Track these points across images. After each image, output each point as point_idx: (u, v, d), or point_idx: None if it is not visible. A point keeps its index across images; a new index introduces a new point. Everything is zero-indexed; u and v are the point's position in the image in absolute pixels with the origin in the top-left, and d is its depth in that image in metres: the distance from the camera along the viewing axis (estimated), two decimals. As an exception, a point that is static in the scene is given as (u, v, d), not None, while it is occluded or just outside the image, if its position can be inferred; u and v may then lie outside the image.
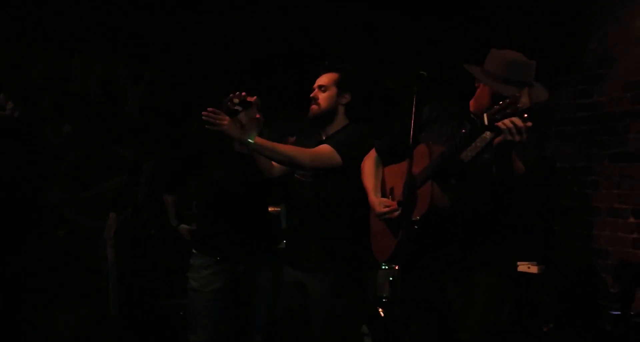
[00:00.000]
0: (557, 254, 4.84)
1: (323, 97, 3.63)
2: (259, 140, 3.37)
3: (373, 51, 5.46)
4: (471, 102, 3.17)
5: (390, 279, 4.51)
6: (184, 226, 4.37)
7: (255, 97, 3.51)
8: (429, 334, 3.20)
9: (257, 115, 3.70)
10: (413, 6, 5.40)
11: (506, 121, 2.63)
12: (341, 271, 3.47)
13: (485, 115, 2.65)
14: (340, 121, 3.67)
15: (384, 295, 4.62)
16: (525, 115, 2.56)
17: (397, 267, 4.47)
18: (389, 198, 3.22)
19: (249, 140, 3.33)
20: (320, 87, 3.64)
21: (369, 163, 3.41)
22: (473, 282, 3.02)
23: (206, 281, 3.76)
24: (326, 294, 3.45)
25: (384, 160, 3.39)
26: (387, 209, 3.10)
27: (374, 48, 5.50)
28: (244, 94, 3.47)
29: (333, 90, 3.63)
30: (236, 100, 3.44)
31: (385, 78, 5.48)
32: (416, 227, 2.93)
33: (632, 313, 3.75)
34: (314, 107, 3.63)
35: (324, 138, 3.63)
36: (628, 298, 3.53)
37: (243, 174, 3.76)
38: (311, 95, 3.64)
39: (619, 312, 3.55)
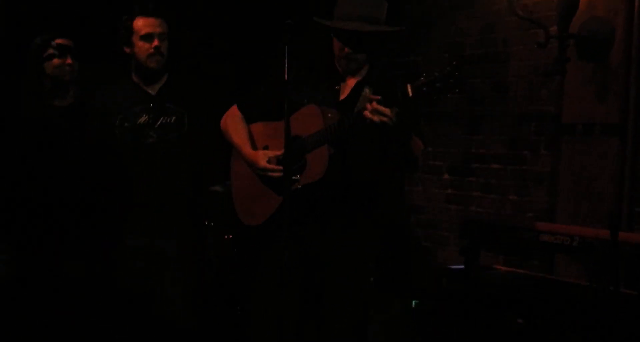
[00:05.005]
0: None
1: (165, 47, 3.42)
2: None
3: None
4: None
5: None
6: None
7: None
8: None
9: (69, 61, 3.41)
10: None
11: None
12: None
13: (409, 86, 2.54)
14: None
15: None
16: (457, 90, 2.49)
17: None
18: None
19: None
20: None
21: (232, 120, 3.17)
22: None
23: None
24: None
25: (248, 118, 3.17)
26: (272, 166, 2.90)
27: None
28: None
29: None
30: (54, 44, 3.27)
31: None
32: (300, 186, 2.80)
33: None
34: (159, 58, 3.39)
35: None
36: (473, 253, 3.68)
37: None
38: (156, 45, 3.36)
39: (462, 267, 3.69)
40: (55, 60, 3.39)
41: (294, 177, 2.81)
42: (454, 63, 2.51)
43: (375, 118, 2.59)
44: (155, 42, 3.32)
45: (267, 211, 2.95)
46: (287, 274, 2.76)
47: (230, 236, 4.48)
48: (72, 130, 3.44)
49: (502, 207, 4.51)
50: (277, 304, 2.90)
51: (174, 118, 3.38)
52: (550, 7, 4.24)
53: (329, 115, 2.83)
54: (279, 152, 2.91)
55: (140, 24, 3.34)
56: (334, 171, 2.80)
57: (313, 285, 3.00)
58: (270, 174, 2.91)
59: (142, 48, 3.34)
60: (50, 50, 3.39)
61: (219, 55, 4.99)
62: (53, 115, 3.45)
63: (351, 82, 3.01)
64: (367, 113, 2.61)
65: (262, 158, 2.95)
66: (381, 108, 2.58)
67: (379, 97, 2.61)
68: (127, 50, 3.39)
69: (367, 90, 2.92)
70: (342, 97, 3.00)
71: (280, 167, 2.85)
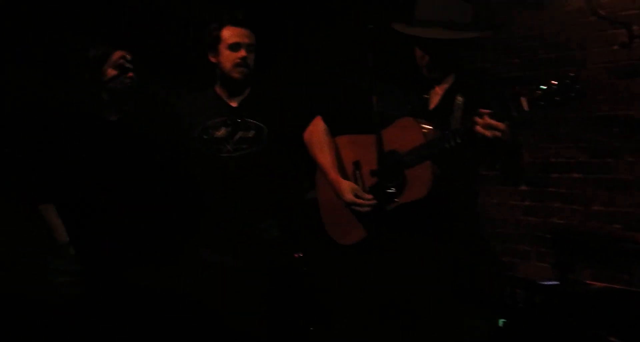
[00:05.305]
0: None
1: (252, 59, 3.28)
2: None
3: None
4: None
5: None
6: None
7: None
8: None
9: (130, 74, 3.29)
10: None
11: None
12: None
13: (524, 100, 2.35)
14: None
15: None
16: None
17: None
18: (356, 174, 2.83)
19: None
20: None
21: (317, 135, 2.99)
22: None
23: None
24: None
25: (333, 130, 2.99)
26: (361, 201, 2.73)
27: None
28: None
29: None
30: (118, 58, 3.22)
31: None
32: (396, 199, 2.63)
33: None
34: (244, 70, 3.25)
35: None
36: (566, 268, 3.46)
37: None
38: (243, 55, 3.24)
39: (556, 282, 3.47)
40: (115, 73, 3.28)
41: (389, 191, 2.63)
42: (572, 74, 2.32)
43: (488, 133, 2.41)
44: (242, 53, 3.21)
45: (359, 232, 2.77)
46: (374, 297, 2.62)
47: (301, 254, 4.30)
48: (132, 143, 3.32)
49: (586, 219, 4.25)
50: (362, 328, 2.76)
51: (252, 132, 3.25)
52: (628, 5, 4.02)
53: (427, 128, 2.65)
54: (367, 183, 2.77)
55: (229, 33, 3.23)
56: (435, 188, 2.61)
57: (396, 307, 2.82)
58: (356, 208, 2.75)
59: (229, 58, 3.22)
60: (111, 63, 3.27)
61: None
62: (112, 129, 3.32)
63: (439, 90, 2.83)
64: (479, 128, 2.43)
65: (348, 191, 2.80)
66: (495, 123, 2.40)
67: (489, 111, 2.43)
68: (213, 59, 3.27)
69: (459, 99, 2.74)
70: (431, 106, 2.81)
71: (368, 202, 2.71)
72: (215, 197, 3.26)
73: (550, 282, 3.55)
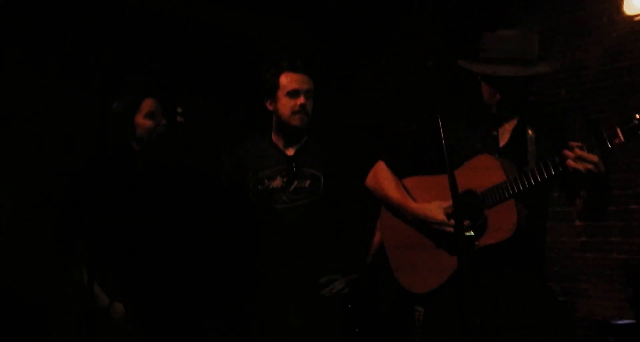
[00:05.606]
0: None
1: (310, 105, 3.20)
2: None
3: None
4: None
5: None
6: None
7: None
8: None
9: (163, 122, 3.18)
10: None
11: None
12: None
13: (619, 129, 2.21)
14: None
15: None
16: None
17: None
18: None
19: None
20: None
21: (383, 177, 2.83)
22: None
23: None
24: None
25: (398, 174, 2.82)
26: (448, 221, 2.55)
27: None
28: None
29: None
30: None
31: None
32: (477, 242, 2.47)
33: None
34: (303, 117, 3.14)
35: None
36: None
37: None
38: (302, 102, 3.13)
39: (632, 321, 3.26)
40: (147, 123, 3.13)
41: (467, 233, 2.46)
42: None
43: (580, 166, 2.27)
44: (301, 99, 3.08)
45: (439, 277, 2.59)
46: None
47: (349, 306, 4.09)
48: (168, 195, 3.16)
49: (649, 252, 4.07)
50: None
51: (308, 182, 3.11)
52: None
53: (507, 165, 2.49)
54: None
55: (287, 79, 3.11)
56: (520, 228, 2.44)
57: None
58: (448, 229, 2.56)
59: (287, 104, 3.10)
60: (142, 113, 3.13)
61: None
62: (146, 180, 3.15)
63: (508, 126, 2.68)
64: (570, 162, 2.29)
65: (437, 211, 2.60)
66: (586, 155, 2.27)
67: (580, 144, 2.30)
68: (270, 106, 3.14)
69: (530, 133, 2.59)
70: (502, 143, 2.65)
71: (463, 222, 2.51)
72: (271, 252, 3.10)
73: (625, 321, 3.33)
